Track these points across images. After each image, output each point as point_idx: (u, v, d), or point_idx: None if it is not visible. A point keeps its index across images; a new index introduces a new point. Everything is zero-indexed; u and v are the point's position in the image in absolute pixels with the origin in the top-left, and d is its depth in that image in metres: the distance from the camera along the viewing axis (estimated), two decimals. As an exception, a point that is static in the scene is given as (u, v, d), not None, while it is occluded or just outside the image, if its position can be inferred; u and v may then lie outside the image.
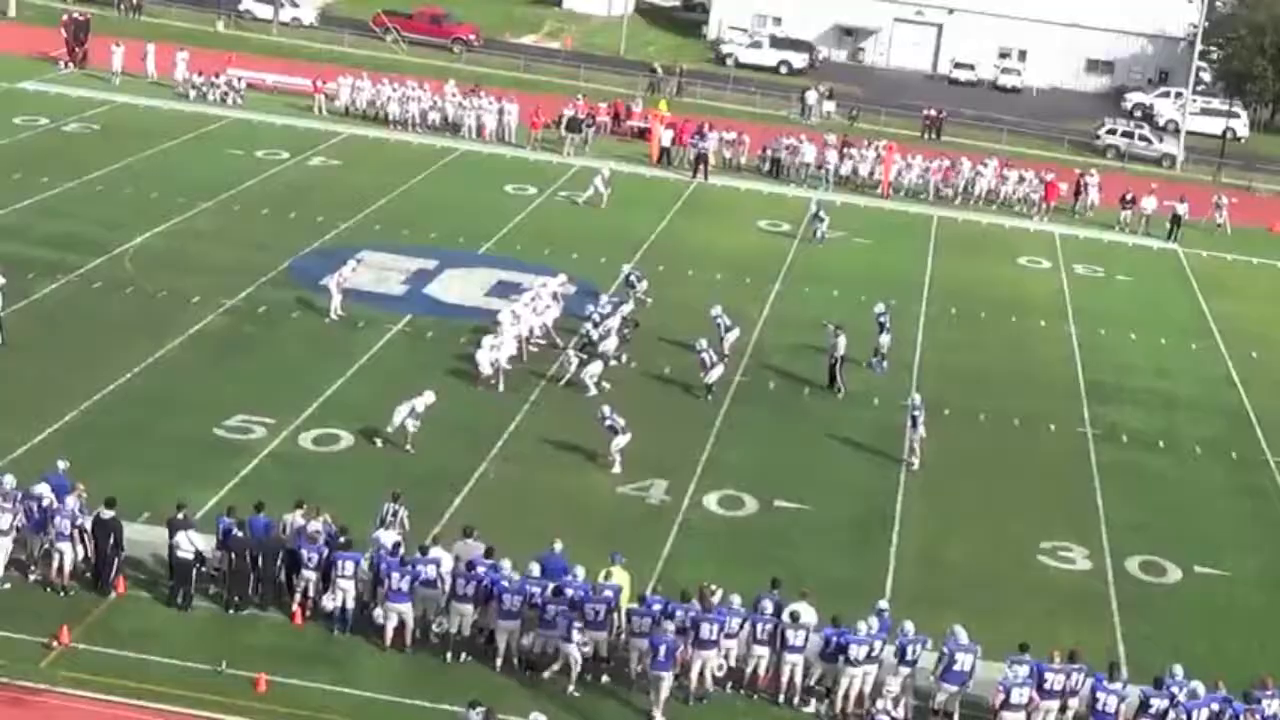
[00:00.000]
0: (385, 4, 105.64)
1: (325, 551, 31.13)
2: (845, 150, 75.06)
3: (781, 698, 30.11)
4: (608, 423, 39.33)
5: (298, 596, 31.35)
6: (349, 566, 30.88)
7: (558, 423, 42.07)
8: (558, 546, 32.29)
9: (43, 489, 31.70)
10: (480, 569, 30.82)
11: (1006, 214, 71.85)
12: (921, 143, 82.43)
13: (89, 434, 38.48)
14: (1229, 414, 49.32)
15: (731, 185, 71.65)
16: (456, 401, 42.91)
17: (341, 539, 31.63)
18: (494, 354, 44.02)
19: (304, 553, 31.09)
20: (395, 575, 30.56)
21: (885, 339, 49.12)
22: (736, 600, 30.87)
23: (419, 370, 44.94)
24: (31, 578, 31.58)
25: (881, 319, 49.32)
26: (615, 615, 30.63)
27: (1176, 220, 70.21)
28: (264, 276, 50.46)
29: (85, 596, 31.15)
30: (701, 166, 72.22)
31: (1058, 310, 57.89)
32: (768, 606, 30.76)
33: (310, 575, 31.10)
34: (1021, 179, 73.41)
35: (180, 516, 31.51)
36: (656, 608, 30.32)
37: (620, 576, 31.90)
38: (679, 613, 30.12)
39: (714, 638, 30.09)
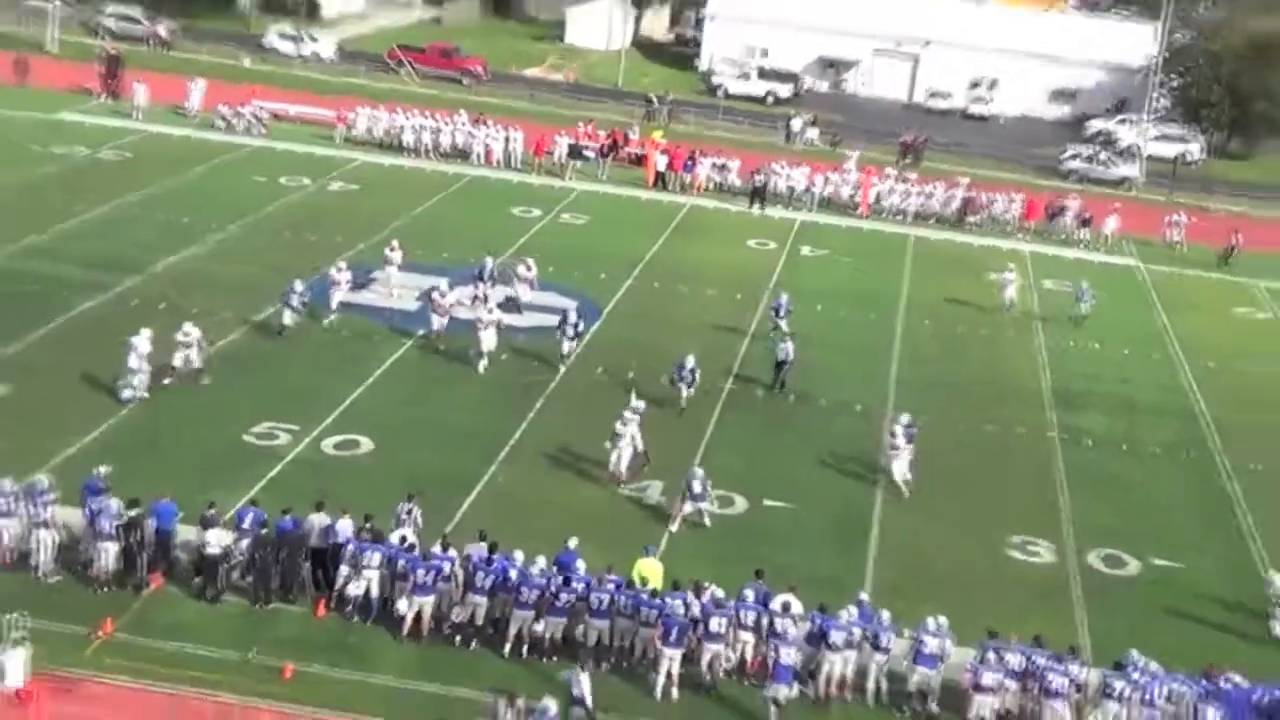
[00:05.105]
0: (399, 39, 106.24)
1: (363, 548, 31.50)
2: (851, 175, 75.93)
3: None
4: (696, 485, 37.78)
5: (346, 592, 31.67)
6: (375, 558, 31.28)
7: (559, 430, 42.32)
8: (573, 543, 32.64)
9: (114, 503, 31.96)
10: (497, 563, 31.22)
11: (977, 233, 72.23)
12: (897, 167, 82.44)
13: (127, 440, 38.76)
14: (1185, 419, 49.66)
15: (722, 207, 71.94)
16: (465, 408, 43.29)
17: (367, 524, 32.27)
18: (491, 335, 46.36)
19: (367, 554, 31.37)
20: (420, 571, 30.92)
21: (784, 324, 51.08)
22: (750, 595, 31.28)
23: (432, 381, 45.35)
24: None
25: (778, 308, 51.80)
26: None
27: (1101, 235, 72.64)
28: (287, 283, 50.53)
29: (125, 591, 31.42)
30: (759, 198, 72.59)
31: (1026, 321, 58.15)
32: (749, 595, 31.22)
33: (372, 575, 31.36)
34: (992, 200, 74.11)
35: (211, 513, 31.98)
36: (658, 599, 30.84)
37: (652, 567, 32.53)
38: (674, 602, 30.50)
39: (722, 630, 30.47)
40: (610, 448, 38.90)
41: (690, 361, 44.82)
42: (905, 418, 42.28)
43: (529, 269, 53.20)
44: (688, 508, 37.52)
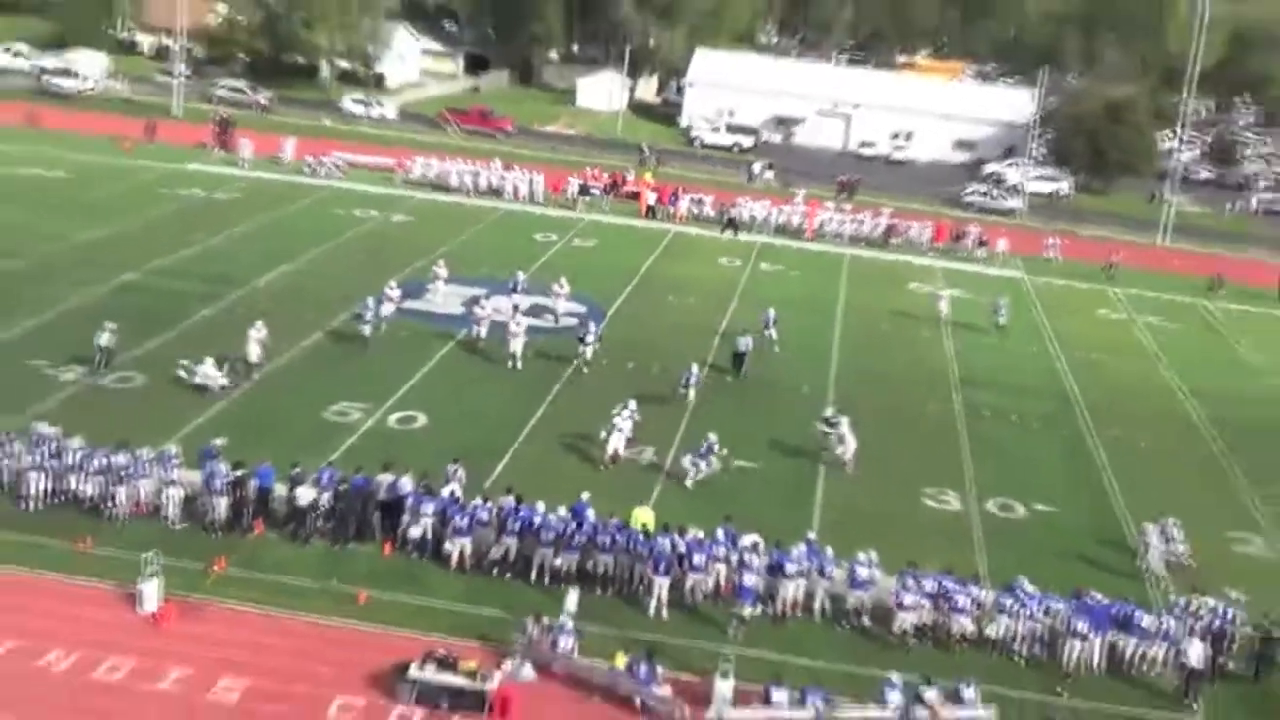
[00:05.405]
0: (447, 104, 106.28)
1: (421, 500, 31.62)
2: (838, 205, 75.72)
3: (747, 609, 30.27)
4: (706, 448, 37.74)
5: (408, 534, 31.60)
6: (429, 507, 31.38)
7: (571, 409, 42.18)
8: (585, 496, 32.68)
9: (223, 466, 31.94)
10: (523, 512, 31.22)
11: (898, 252, 72.19)
12: (836, 200, 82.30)
13: (236, 418, 38.59)
14: (1060, 397, 49.57)
15: (700, 233, 71.83)
16: (498, 392, 43.16)
17: (423, 481, 32.47)
18: (519, 341, 45.39)
19: (425, 505, 31.48)
20: (458, 518, 30.93)
21: (772, 333, 50.50)
22: (722, 534, 31.28)
23: (472, 372, 45.20)
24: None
25: (767, 320, 50.87)
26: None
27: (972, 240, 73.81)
28: (360, 302, 50.29)
29: (234, 535, 31.48)
30: (732, 225, 72.11)
31: (937, 321, 58.03)
32: (720, 535, 31.32)
33: (428, 521, 31.38)
34: (909, 226, 74.37)
35: (297, 472, 32.07)
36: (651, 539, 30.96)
37: (646, 514, 32.58)
38: (663, 541, 30.51)
39: (700, 563, 30.47)
40: (606, 437, 38.30)
41: (695, 368, 44.23)
42: (830, 410, 41.99)
43: (562, 286, 52.76)
44: (686, 461, 37.37)
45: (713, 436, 37.78)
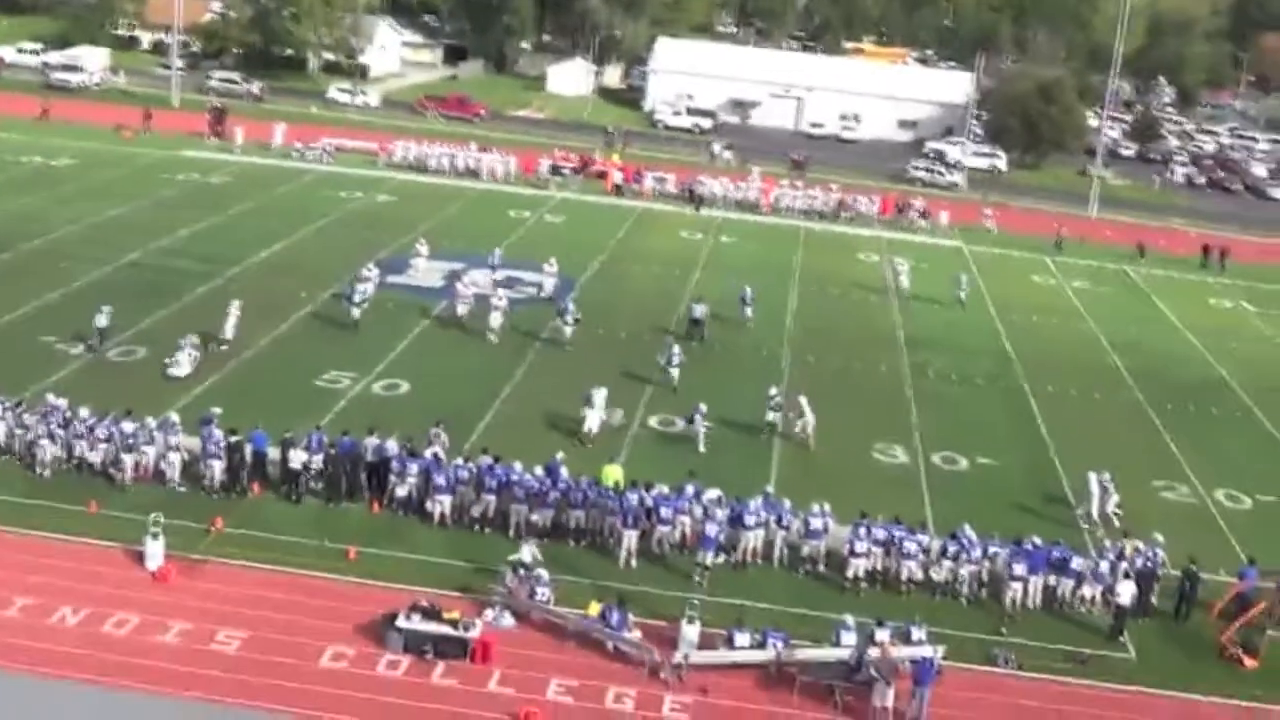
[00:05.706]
0: (427, 91, 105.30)
1: (406, 461, 31.24)
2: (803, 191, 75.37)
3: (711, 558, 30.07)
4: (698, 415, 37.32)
5: (395, 493, 31.27)
6: (414, 468, 31.08)
7: (547, 374, 41.83)
8: (559, 455, 32.36)
9: (218, 432, 31.46)
10: (500, 470, 30.87)
11: (848, 224, 71.97)
12: (789, 177, 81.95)
13: (232, 387, 38.14)
14: (997, 356, 49.51)
15: (663, 209, 71.35)
16: (476, 360, 42.73)
17: (408, 444, 32.08)
18: (499, 315, 44.61)
19: (410, 465, 31.16)
20: (439, 477, 30.58)
21: (748, 310, 49.58)
22: (690, 490, 31.11)
23: (453, 341, 44.72)
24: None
25: (744, 297, 49.84)
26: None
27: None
28: (348, 276, 49.72)
29: (231, 497, 31.06)
30: (696, 200, 71.79)
31: (884, 288, 57.87)
32: (689, 490, 31.01)
33: (413, 481, 31.09)
34: (858, 200, 74.13)
35: (289, 437, 31.59)
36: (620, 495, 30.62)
37: (616, 471, 32.26)
38: (632, 496, 30.22)
39: (667, 516, 30.25)
40: (583, 415, 37.13)
41: (677, 348, 43.01)
42: (774, 389, 40.48)
43: (551, 265, 51.91)
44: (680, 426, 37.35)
45: (703, 406, 37.35)
